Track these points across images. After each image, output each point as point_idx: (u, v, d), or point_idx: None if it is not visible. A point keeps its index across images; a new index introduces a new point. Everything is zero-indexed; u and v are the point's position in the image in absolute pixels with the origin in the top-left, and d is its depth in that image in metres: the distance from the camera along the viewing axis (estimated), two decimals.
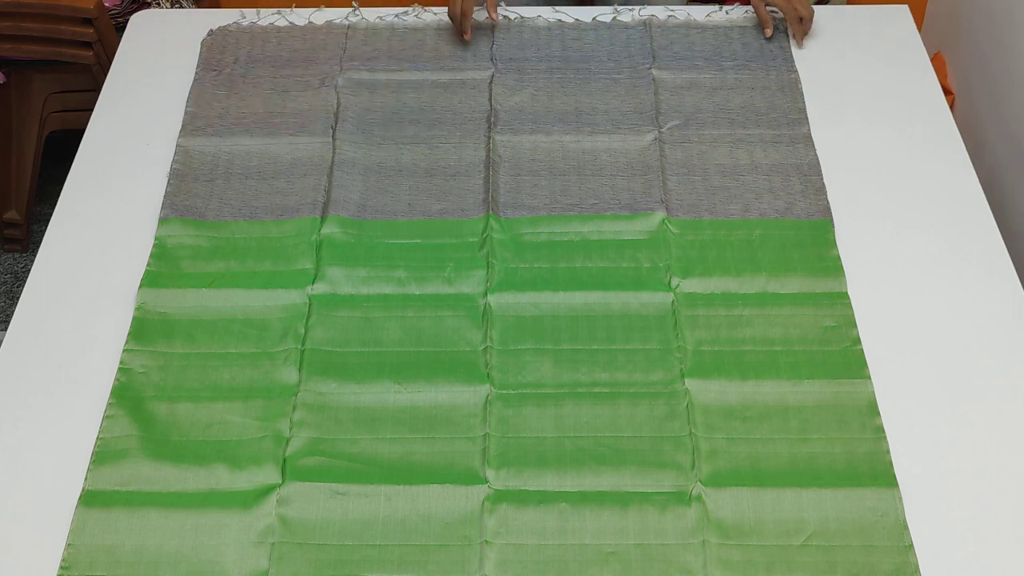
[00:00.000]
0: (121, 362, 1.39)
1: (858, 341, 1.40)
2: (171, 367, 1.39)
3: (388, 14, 1.90)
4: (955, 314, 1.44)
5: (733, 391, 1.36)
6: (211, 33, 1.87)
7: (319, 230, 1.55)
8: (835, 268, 1.49)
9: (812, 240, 1.53)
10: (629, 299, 1.46)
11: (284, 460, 1.29)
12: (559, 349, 1.41)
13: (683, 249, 1.52)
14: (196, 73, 1.81)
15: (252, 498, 1.26)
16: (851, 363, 1.38)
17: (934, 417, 1.33)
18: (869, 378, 1.36)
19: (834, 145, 1.67)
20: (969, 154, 1.66)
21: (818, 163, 1.63)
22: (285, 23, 1.90)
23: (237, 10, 1.92)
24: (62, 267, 1.51)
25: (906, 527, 1.22)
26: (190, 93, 1.77)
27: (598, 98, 1.76)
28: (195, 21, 1.96)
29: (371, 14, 1.90)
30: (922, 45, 1.85)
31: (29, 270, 1.89)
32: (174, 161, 1.65)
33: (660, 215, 1.56)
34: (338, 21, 1.90)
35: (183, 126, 1.71)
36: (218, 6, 2.42)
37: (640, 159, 1.65)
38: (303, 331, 1.43)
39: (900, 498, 1.24)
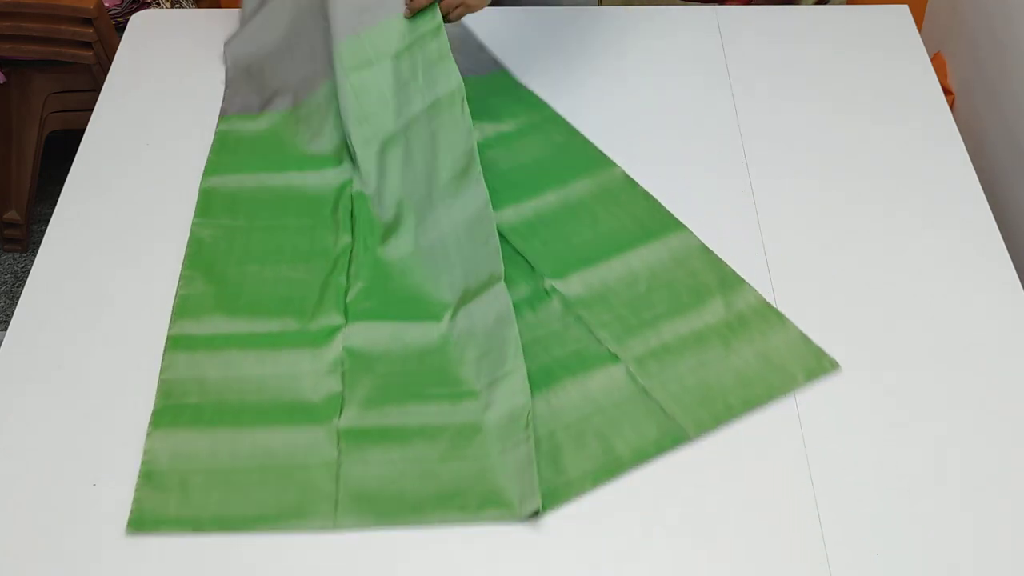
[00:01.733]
0: (191, 233, 1.52)
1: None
2: (236, 237, 1.53)
3: None
4: (954, 314, 1.44)
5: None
6: None
7: None
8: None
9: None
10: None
11: (346, 306, 1.42)
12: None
13: None
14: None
15: (321, 337, 1.39)
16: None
17: (935, 418, 1.33)
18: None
19: (832, 145, 1.67)
20: (969, 154, 1.66)
21: None
22: None
23: (238, 10, 1.92)
24: (62, 267, 1.51)
25: (721, 260, 1.46)
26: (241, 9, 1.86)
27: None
28: (195, 21, 1.96)
29: None
30: (922, 45, 1.85)
31: (29, 270, 1.89)
32: (227, 70, 1.79)
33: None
34: None
35: (233, 34, 1.83)
36: (218, 6, 2.42)
37: None
38: (351, 203, 1.57)
39: (695, 235, 1.50)
